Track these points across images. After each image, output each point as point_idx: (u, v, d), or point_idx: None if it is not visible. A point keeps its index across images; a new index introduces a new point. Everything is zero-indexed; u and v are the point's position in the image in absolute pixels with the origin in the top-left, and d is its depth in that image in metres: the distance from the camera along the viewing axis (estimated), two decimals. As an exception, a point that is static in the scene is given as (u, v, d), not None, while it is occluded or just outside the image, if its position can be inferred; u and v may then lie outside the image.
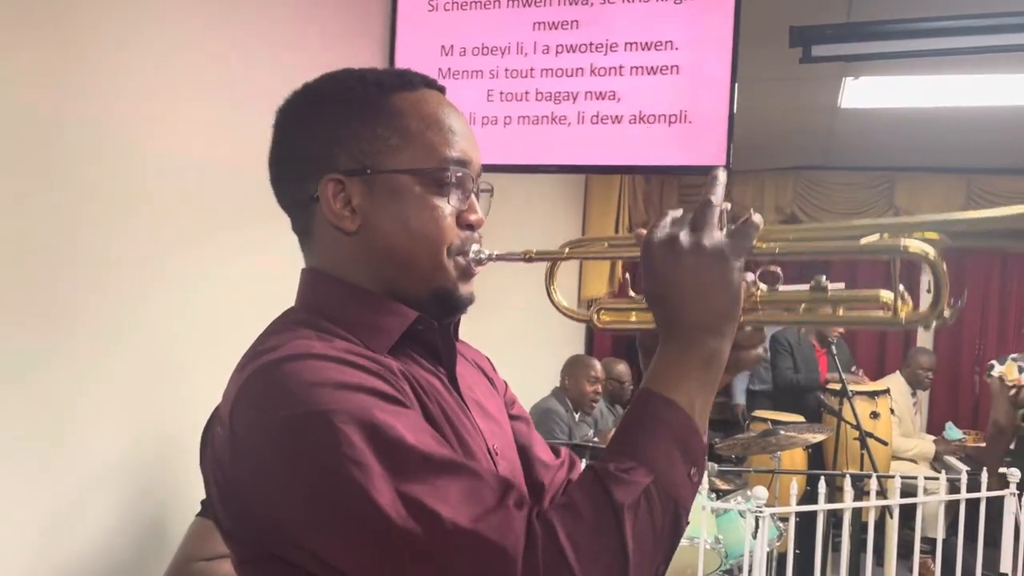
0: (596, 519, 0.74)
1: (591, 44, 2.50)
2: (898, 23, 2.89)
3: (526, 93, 2.52)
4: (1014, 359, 4.10)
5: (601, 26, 2.49)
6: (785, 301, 0.88)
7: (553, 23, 2.51)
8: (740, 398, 5.71)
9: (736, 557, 3.08)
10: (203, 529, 1.61)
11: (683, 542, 2.87)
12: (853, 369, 5.25)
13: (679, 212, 0.87)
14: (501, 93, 2.51)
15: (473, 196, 0.95)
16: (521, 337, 4.28)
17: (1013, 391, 3.96)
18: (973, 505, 3.26)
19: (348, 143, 0.91)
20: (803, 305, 0.88)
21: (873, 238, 0.84)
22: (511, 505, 0.74)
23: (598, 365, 4.20)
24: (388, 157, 0.91)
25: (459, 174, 0.92)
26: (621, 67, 2.50)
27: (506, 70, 2.52)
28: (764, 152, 5.87)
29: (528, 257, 0.97)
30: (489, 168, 2.75)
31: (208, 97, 1.97)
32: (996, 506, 3.33)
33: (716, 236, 0.83)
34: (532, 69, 2.52)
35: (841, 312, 0.87)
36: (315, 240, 0.94)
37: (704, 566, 2.75)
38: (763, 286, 0.88)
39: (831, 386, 4.77)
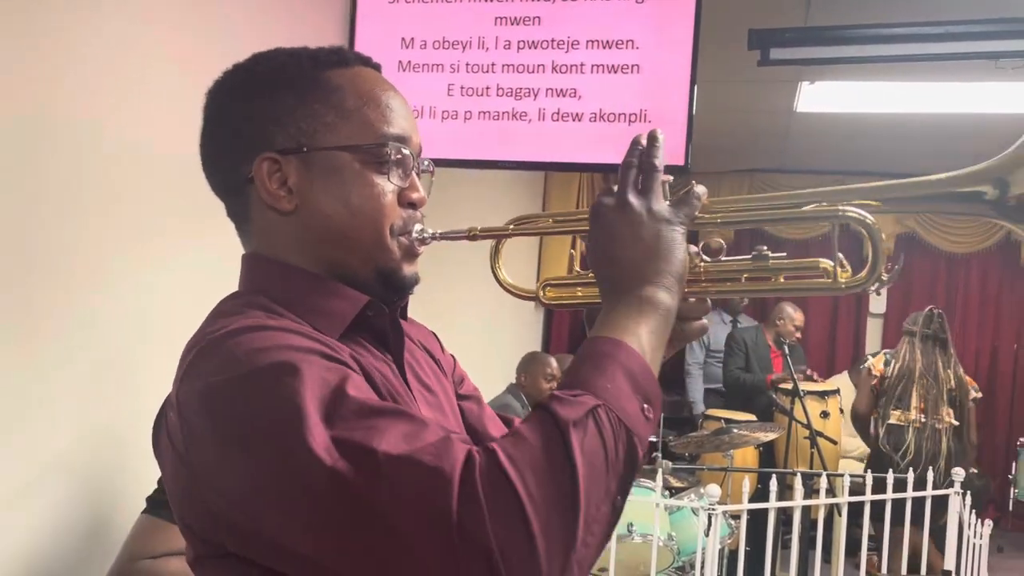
0: (540, 438, 0.69)
1: (553, 41, 2.50)
2: (854, 29, 2.94)
3: (487, 88, 2.50)
4: (885, 353, 4.42)
5: (563, 23, 2.48)
6: (728, 272, 0.90)
7: (515, 19, 2.50)
8: (698, 401, 5.75)
9: (689, 554, 3.11)
10: (149, 526, 1.57)
11: (636, 539, 2.89)
12: (808, 373, 5.33)
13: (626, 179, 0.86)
14: (462, 87, 2.49)
15: (414, 174, 0.92)
16: (477, 334, 4.27)
17: (875, 381, 4.29)
18: (919, 504, 3.34)
19: (283, 121, 0.88)
20: (745, 275, 0.90)
21: (813, 206, 0.88)
22: (453, 438, 0.70)
23: (554, 362, 4.21)
24: (325, 134, 0.88)
25: (400, 151, 0.89)
26: (582, 65, 2.49)
27: (467, 65, 2.51)
28: (722, 154, 5.93)
29: (472, 235, 0.96)
30: (448, 163, 2.73)
31: (162, 89, 1.93)
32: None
33: (663, 201, 0.85)
34: (493, 64, 2.50)
35: (783, 280, 0.89)
36: (252, 224, 0.92)
37: (657, 563, 2.77)
38: (706, 258, 0.90)
39: (783, 386, 4.84)
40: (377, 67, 0.95)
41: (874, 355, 4.53)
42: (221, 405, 0.75)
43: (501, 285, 1.02)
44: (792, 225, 6.74)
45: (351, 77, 0.90)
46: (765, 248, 0.89)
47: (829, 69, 3.85)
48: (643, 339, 0.79)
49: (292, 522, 0.71)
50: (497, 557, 0.65)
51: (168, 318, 1.92)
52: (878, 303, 6.79)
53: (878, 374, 4.30)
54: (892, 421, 4.16)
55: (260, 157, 0.88)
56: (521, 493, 0.66)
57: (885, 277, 0.84)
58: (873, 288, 0.86)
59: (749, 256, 0.89)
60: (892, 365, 4.24)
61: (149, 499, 1.62)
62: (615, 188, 0.86)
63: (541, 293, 0.99)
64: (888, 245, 6.39)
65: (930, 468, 3.60)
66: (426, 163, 0.95)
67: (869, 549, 4.14)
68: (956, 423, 4.14)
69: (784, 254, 0.89)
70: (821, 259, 0.88)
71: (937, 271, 6.67)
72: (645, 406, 0.75)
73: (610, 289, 0.84)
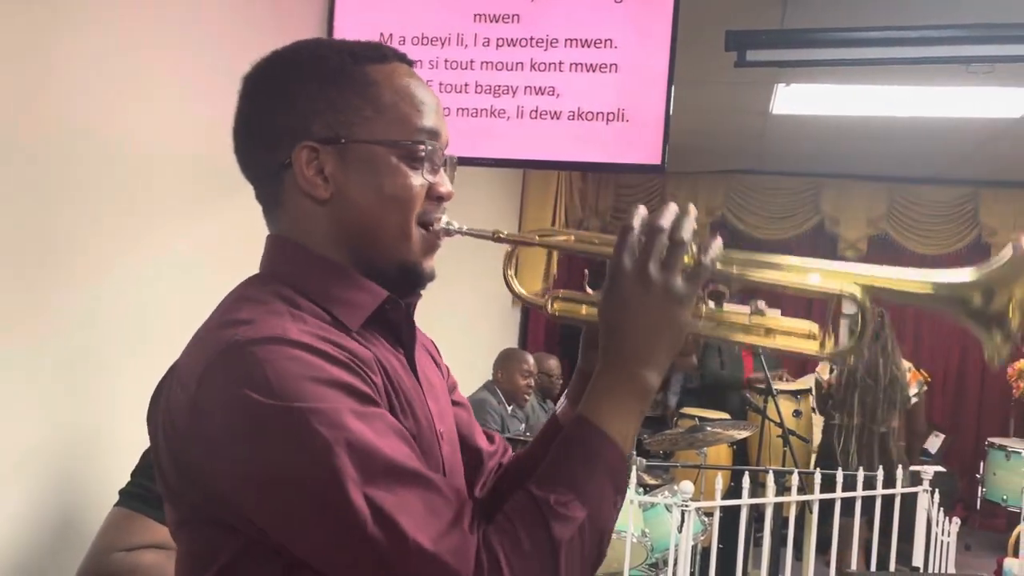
0: (536, 552, 0.79)
1: (532, 39, 2.51)
2: (829, 32, 2.97)
3: (465, 85, 2.51)
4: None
5: (541, 21, 2.50)
6: (727, 322, 0.96)
7: (494, 16, 2.51)
8: (672, 400, 5.79)
9: (662, 551, 3.14)
10: (122, 519, 1.56)
11: (610, 536, 2.91)
12: (780, 375, 5.38)
13: (648, 220, 0.88)
14: (440, 84, 2.50)
15: (442, 169, 0.95)
16: (455, 331, 4.28)
17: (824, 387, 4.53)
18: (889, 502, 3.38)
19: (322, 111, 0.91)
20: (740, 327, 0.96)
21: (818, 282, 0.94)
22: (466, 527, 0.79)
23: (531, 359, 4.23)
24: (362, 127, 0.91)
25: (432, 147, 0.93)
26: (561, 63, 2.51)
27: (446, 61, 2.51)
28: (698, 154, 5.97)
29: (496, 237, 0.99)
30: (427, 159, 2.68)
31: (137, 83, 1.91)
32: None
33: (680, 278, 0.88)
34: (472, 61, 2.51)
35: (775, 339, 0.96)
36: (284, 208, 0.94)
37: (631, 559, 2.79)
38: (711, 303, 0.95)
39: (756, 385, 4.88)
40: (411, 63, 0.98)
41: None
42: (251, 429, 0.78)
43: (512, 292, 1.07)
44: (774, 226, 6.81)
45: (388, 73, 0.93)
46: (761, 304, 0.96)
47: (805, 71, 3.89)
48: (628, 430, 0.87)
49: (311, 550, 0.80)
50: None
51: (138, 315, 1.91)
52: (849, 304, 6.85)
53: (826, 383, 4.48)
54: (834, 422, 4.32)
55: (300, 145, 0.90)
56: None
57: (866, 353, 0.93)
58: (852, 361, 0.94)
59: (748, 308, 0.95)
60: (835, 372, 4.40)
61: (122, 492, 1.61)
62: (636, 253, 0.88)
63: (550, 305, 1.04)
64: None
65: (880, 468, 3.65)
66: (451, 156, 0.98)
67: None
68: (896, 424, 4.27)
69: (778, 311, 0.96)
70: (811, 324, 0.96)
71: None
72: (618, 499, 0.87)
73: (609, 359, 0.89)
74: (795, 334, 0.96)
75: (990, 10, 3.03)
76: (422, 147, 0.92)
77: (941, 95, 4.26)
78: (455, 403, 1.10)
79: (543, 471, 0.85)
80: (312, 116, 0.91)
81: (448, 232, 0.95)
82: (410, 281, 0.95)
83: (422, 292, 0.99)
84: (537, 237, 1.00)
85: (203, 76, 2.03)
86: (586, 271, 1.04)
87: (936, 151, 5.60)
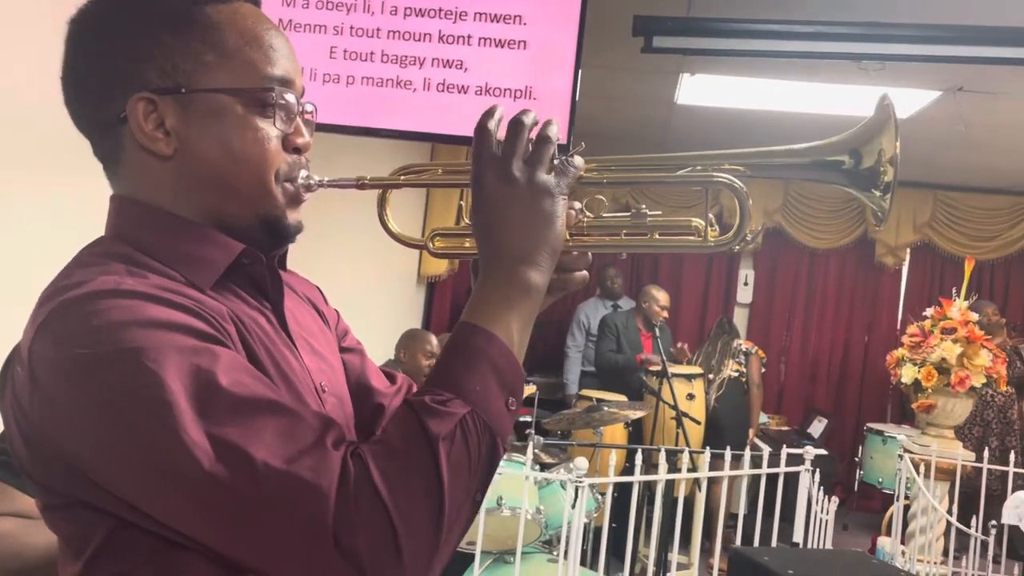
0: (410, 452, 0.73)
1: (440, 10, 2.48)
2: (733, 22, 3.05)
3: (371, 53, 2.46)
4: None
5: (452, -7, 2.47)
6: (609, 227, 0.95)
7: (403, -16, 2.46)
8: (573, 388, 5.85)
9: (556, 528, 3.18)
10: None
11: (505, 512, 2.93)
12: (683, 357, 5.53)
13: (509, 119, 0.87)
14: (345, 51, 2.45)
15: (299, 119, 0.90)
16: (357, 310, 4.21)
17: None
18: (773, 483, 3.51)
19: (158, 58, 0.83)
20: (624, 231, 0.95)
21: (687, 170, 0.95)
22: (328, 444, 0.72)
23: (434, 339, 4.20)
24: (205, 75, 0.84)
25: (285, 95, 0.87)
26: (469, 37, 2.49)
27: (351, 28, 2.46)
28: (603, 141, 6.04)
29: (361, 183, 0.95)
30: (329, 128, 2.67)
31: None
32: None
33: (547, 172, 0.86)
34: (379, 29, 2.46)
35: (658, 236, 0.95)
36: (124, 166, 0.87)
37: (524, 535, 2.82)
38: (589, 214, 0.94)
39: (652, 368, 5.00)
40: (257, 2, 0.91)
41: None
42: (81, 381, 0.72)
43: (390, 234, 1.03)
44: (676, 215, 6.95)
45: (231, 13, 0.86)
46: (644, 207, 0.97)
47: (709, 62, 3.98)
48: (513, 329, 0.82)
49: (160, 504, 0.73)
50: (367, 566, 0.70)
51: (5, 272, 1.81)
52: (745, 293, 7.10)
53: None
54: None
55: (135, 96, 0.83)
56: (392, 511, 0.71)
57: (749, 238, 0.92)
58: (737, 248, 0.93)
59: (629, 213, 0.95)
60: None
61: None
62: (499, 149, 0.86)
63: (431, 243, 1.00)
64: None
65: None
66: (309, 107, 0.93)
67: (726, 527, 4.34)
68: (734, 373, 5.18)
69: (660, 212, 0.96)
70: (693, 218, 0.96)
71: (800, 265, 7.03)
72: (510, 399, 0.80)
73: (486, 263, 0.86)
74: (678, 230, 0.96)
75: (884, 10, 3.16)
76: (272, 95, 0.85)
77: (835, 92, 4.42)
78: (347, 349, 1.06)
79: (425, 381, 0.80)
80: (147, 63, 0.83)
81: (309, 188, 0.90)
82: (274, 235, 0.89)
83: (291, 243, 0.93)
84: (402, 177, 0.97)
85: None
86: (461, 203, 1.02)
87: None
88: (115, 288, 0.75)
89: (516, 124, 0.86)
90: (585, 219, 0.94)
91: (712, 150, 0.95)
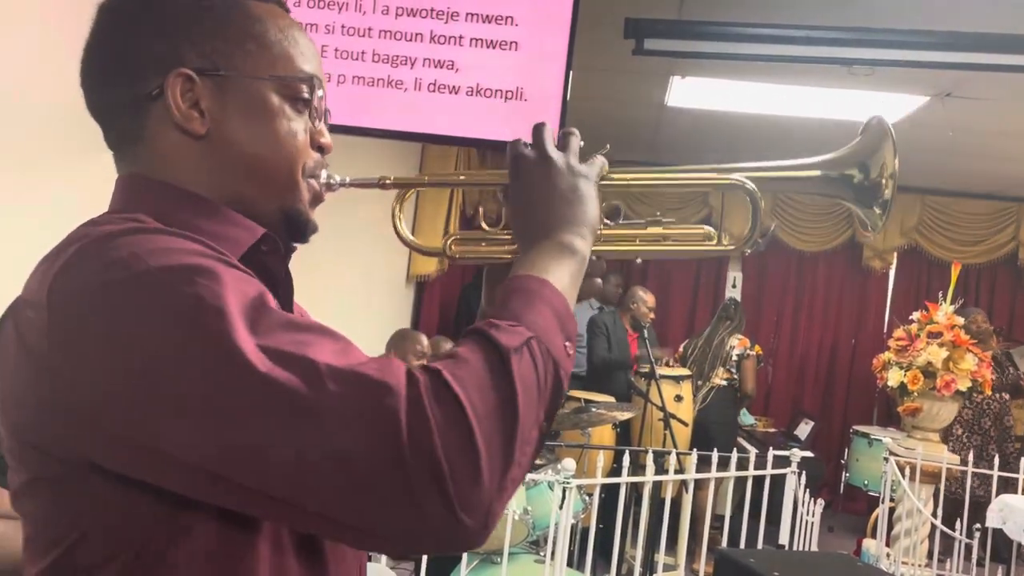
0: (482, 359, 0.70)
1: (432, 10, 2.48)
2: (724, 25, 3.06)
3: (363, 53, 2.46)
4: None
5: (443, -7, 2.47)
6: (625, 235, 0.99)
7: (395, -16, 2.46)
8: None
9: (543, 529, 3.18)
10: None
11: (493, 513, 2.93)
12: (669, 359, 5.55)
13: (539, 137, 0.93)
14: (336, 50, 2.44)
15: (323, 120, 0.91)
16: (347, 310, 4.21)
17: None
18: (759, 485, 3.53)
19: (197, 40, 0.83)
20: (639, 238, 0.99)
21: (705, 175, 1.01)
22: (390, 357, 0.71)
23: (425, 340, 4.19)
24: (245, 61, 0.84)
25: (318, 91, 0.88)
26: (461, 37, 2.49)
27: (343, 27, 2.46)
28: (593, 143, 6.02)
29: (383, 183, 0.96)
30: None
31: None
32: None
33: (579, 160, 0.93)
34: (370, 29, 2.46)
35: (671, 244, 1.00)
36: (146, 144, 0.84)
37: (511, 536, 2.82)
38: (607, 221, 0.98)
39: (641, 369, 5.01)
40: (287, 9, 0.92)
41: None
42: (122, 302, 0.68)
43: (403, 241, 1.04)
44: (665, 219, 6.97)
45: (268, 10, 0.87)
46: (659, 213, 1.00)
47: (699, 64, 3.99)
48: (564, 280, 0.84)
49: (206, 437, 0.66)
50: (444, 468, 0.65)
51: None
52: (733, 295, 7.12)
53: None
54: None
55: (176, 71, 0.82)
56: (467, 408, 0.66)
57: (760, 240, 0.97)
58: (749, 250, 0.98)
59: (644, 221, 0.99)
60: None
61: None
62: (529, 143, 0.92)
63: (448, 247, 1.01)
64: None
65: None
66: (329, 112, 0.94)
67: (713, 528, 4.36)
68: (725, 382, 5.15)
69: (673, 220, 1.00)
70: (705, 226, 1.01)
71: (788, 268, 7.06)
72: (567, 343, 0.79)
73: (530, 235, 0.89)
74: (691, 237, 1.00)
75: (874, 16, 3.18)
76: (307, 87, 0.86)
77: (824, 96, 4.44)
78: None
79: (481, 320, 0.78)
80: (186, 44, 0.83)
81: (330, 187, 0.91)
82: (293, 230, 0.88)
83: (306, 241, 0.92)
84: (427, 178, 1.00)
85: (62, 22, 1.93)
86: (480, 209, 1.04)
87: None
88: (148, 226, 0.74)
89: (540, 125, 0.93)
90: (602, 226, 0.96)
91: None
